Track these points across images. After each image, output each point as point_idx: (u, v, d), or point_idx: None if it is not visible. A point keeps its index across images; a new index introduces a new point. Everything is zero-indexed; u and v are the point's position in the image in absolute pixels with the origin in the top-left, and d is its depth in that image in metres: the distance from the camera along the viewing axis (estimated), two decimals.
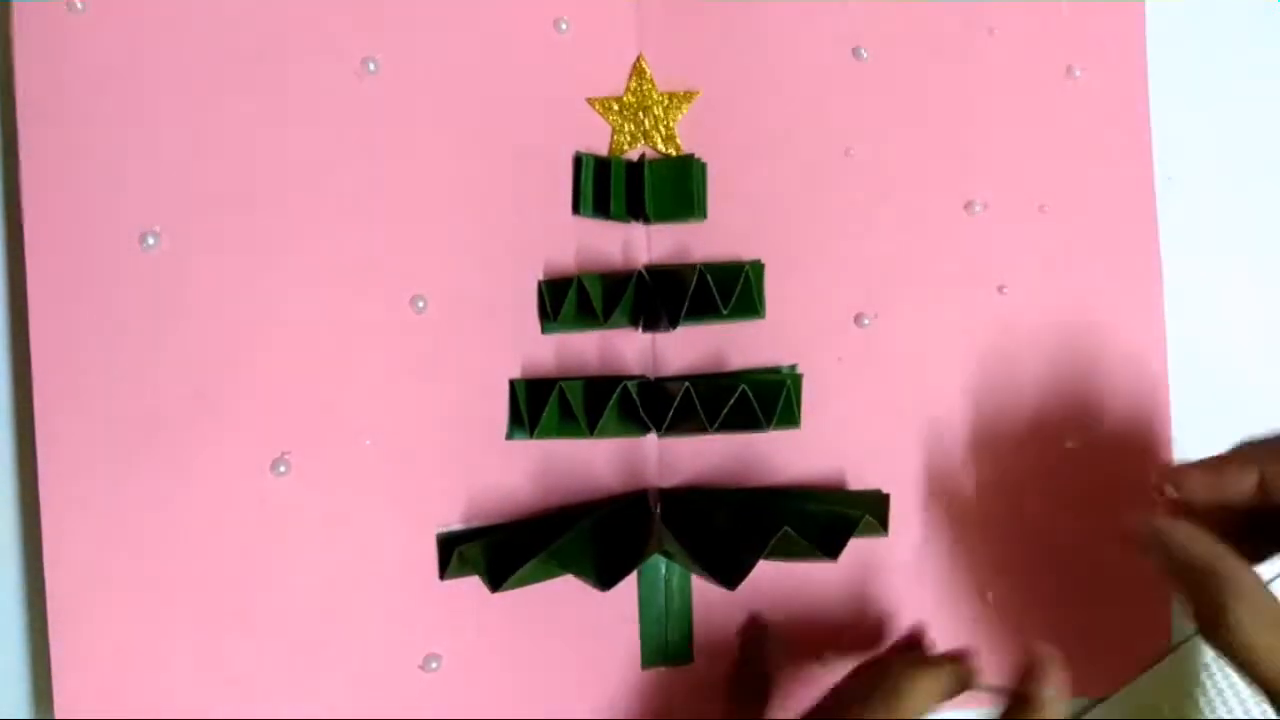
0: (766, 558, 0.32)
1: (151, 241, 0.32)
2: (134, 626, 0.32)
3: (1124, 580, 0.38)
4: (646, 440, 0.36)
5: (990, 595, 0.37)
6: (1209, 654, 0.38)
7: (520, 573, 0.31)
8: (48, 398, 0.31)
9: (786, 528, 0.31)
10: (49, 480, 0.31)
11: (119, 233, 0.32)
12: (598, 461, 0.35)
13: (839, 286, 0.37)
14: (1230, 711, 0.38)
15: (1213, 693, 0.38)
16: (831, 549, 0.32)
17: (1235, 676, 0.37)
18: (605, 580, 0.31)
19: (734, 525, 0.33)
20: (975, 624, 0.37)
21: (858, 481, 0.36)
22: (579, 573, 0.32)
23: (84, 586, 0.31)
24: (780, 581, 0.36)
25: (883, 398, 0.37)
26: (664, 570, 0.36)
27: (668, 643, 0.36)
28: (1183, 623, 0.38)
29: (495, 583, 0.32)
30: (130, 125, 0.32)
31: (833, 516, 0.33)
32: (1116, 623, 0.38)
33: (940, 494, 0.37)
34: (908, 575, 0.36)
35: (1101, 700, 0.38)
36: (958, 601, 0.37)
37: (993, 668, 0.36)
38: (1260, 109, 0.41)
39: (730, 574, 0.31)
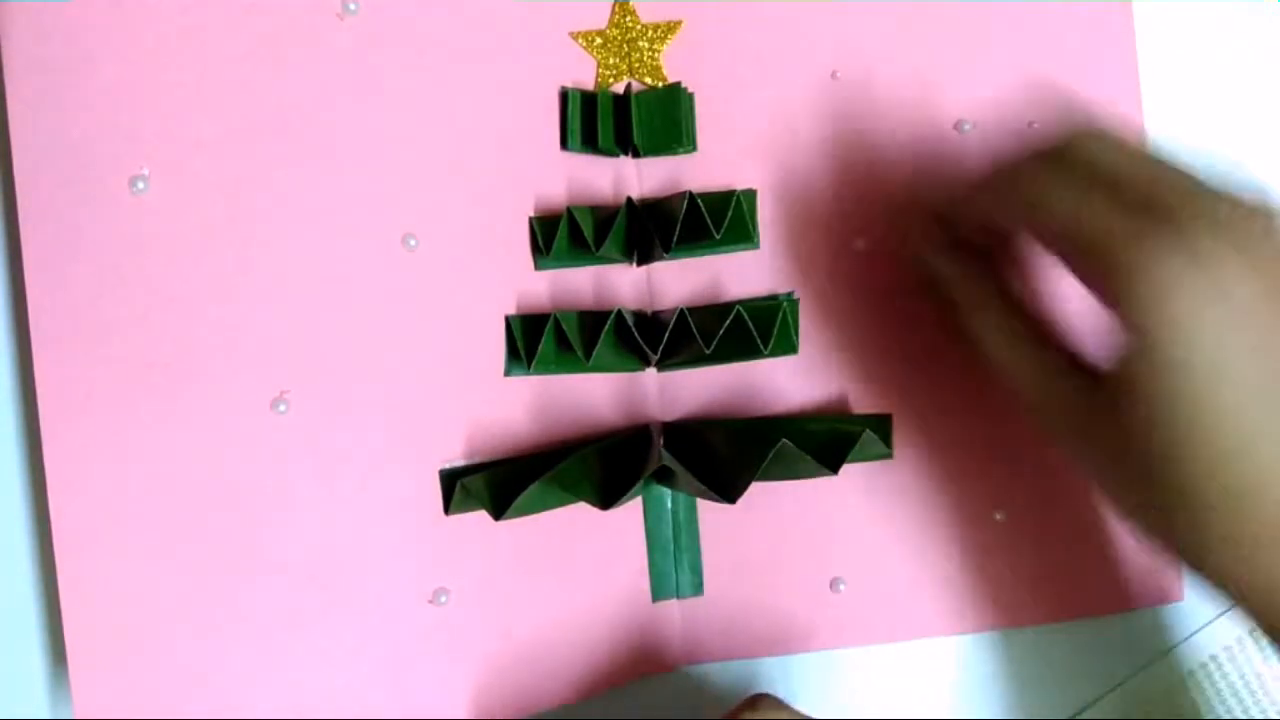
0: (767, 476, 0.32)
1: (141, 186, 0.32)
2: (140, 567, 0.32)
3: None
4: (647, 375, 0.36)
5: (1000, 515, 0.37)
6: (1205, 654, 0.38)
7: (522, 499, 0.31)
8: (45, 344, 0.32)
9: (784, 440, 0.30)
10: (50, 425, 0.32)
11: (108, 177, 0.32)
12: (599, 396, 0.35)
13: (834, 212, 0.36)
14: (1229, 712, 0.38)
15: (1209, 692, 0.38)
16: (831, 462, 0.32)
17: (1234, 676, 0.37)
18: (606, 499, 0.31)
19: (734, 447, 0.33)
20: (985, 546, 0.37)
21: (861, 408, 0.36)
22: (580, 494, 0.32)
23: (89, 527, 0.32)
24: (787, 504, 0.36)
25: (883, 323, 0.36)
26: (670, 504, 0.36)
27: (677, 575, 0.36)
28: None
29: (498, 512, 0.32)
30: (116, 68, 0.33)
31: (833, 432, 0.33)
32: (1130, 543, 0.37)
33: (945, 414, 0.36)
34: (913, 497, 0.36)
35: (1100, 699, 0.38)
36: (966, 523, 0.37)
37: (1005, 588, 0.36)
38: (1258, 110, 0.40)
39: (729, 489, 0.31)
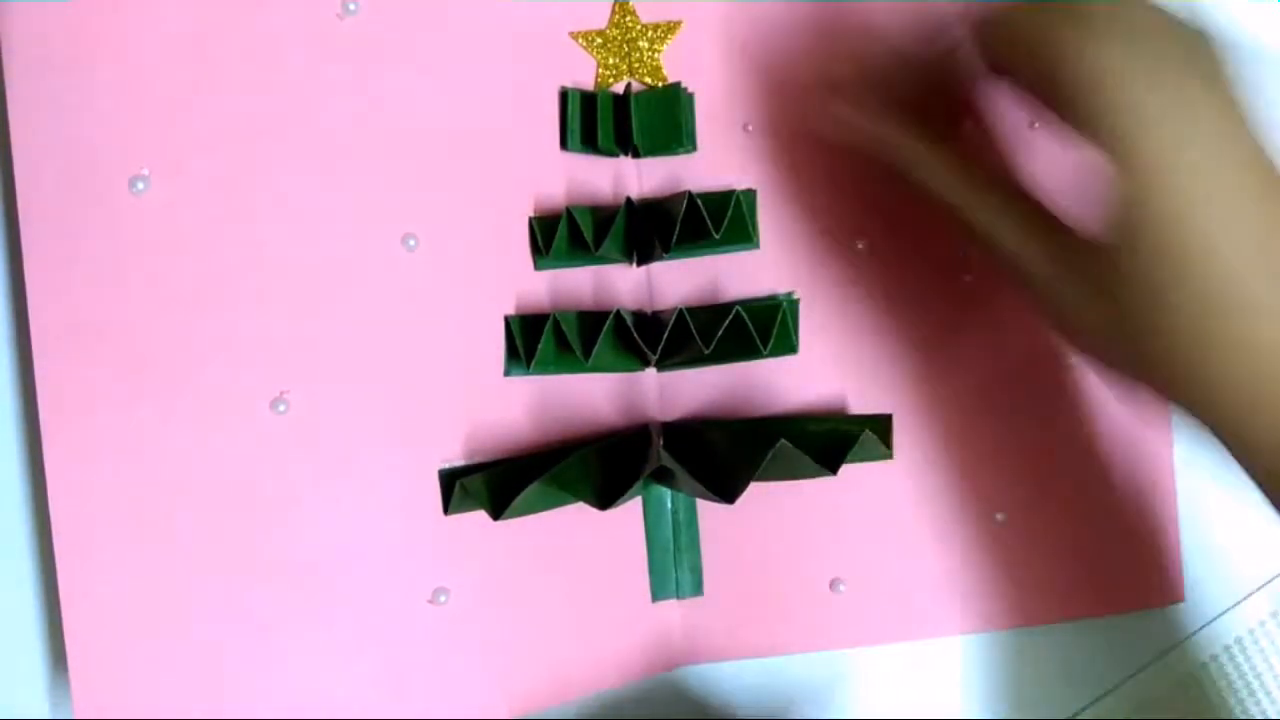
0: (765, 477, 0.32)
1: (141, 186, 0.32)
2: (140, 567, 0.32)
3: (1140, 503, 0.37)
4: (647, 375, 0.36)
5: (1000, 516, 0.37)
6: (1205, 654, 0.38)
7: (520, 499, 0.31)
8: (45, 344, 0.32)
9: (783, 440, 0.30)
10: (50, 425, 0.32)
11: (108, 177, 0.32)
12: (598, 396, 0.35)
13: (834, 213, 0.36)
14: (1229, 712, 0.38)
15: (1209, 692, 0.38)
16: (830, 463, 0.32)
17: (1234, 676, 0.37)
18: (604, 500, 0.31)
19: (733, 448, 0.33)
20: (985, 546, 0.37)
21: (861, 408, 0.36)
22: (578, 494, 0.32)
23: (89, 527, 0.32)
24: (787, 505, 0.36)
25: (883, 323, 0.36)
26: (670, 504, 0.36)
27: (677, 575, 0.36)
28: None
29: (497, 512, 0.32)
30: (116, 68, 0.33)
31: (832, 433, 0.33)
32: (1131, 544, 0.37)
33: (945, 414, 0.36)
34: (913, 498, 0.36)
35: (1100, 699, 0.38)
36: (966, 524, 0.37)
37: (1005, 589, 0.36)
38: (1259, 110, 0.40)
39: (728, 490, 0.31)
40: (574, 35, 0.36)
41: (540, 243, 0.35)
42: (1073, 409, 0.37)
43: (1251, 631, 0.38)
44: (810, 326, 0.36)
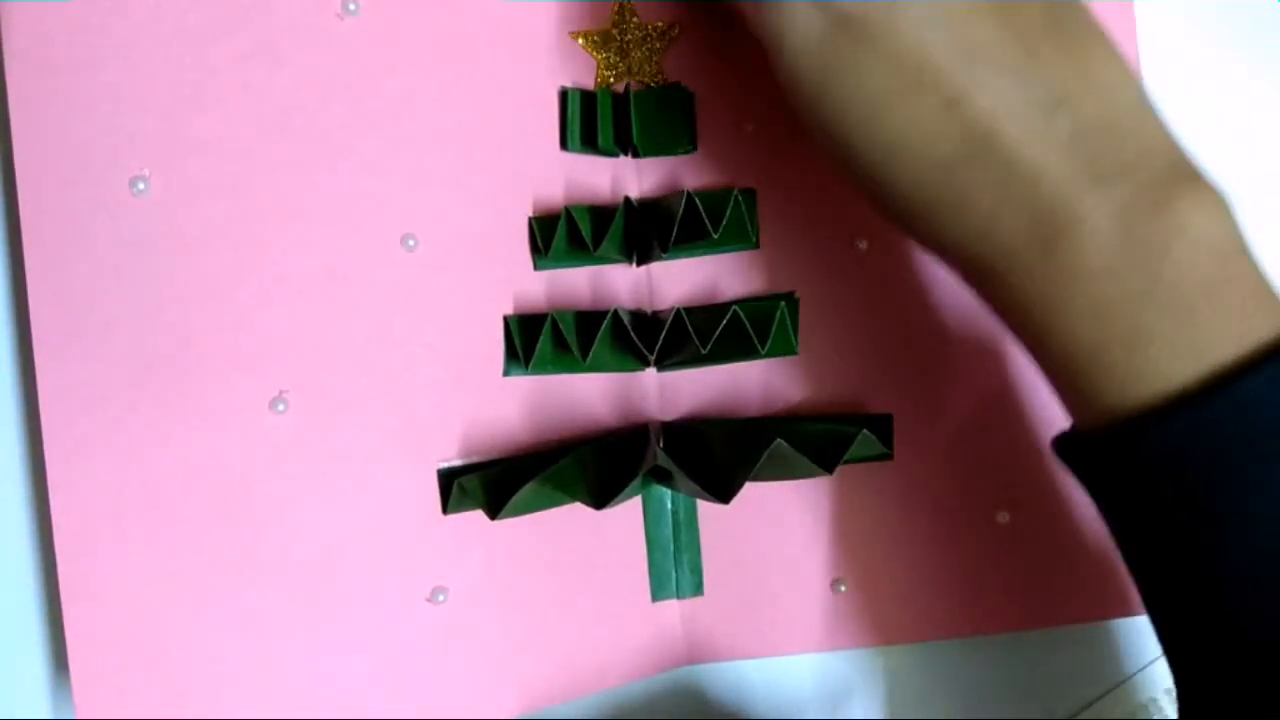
0: (761, 477, 0.32)
1: (141, 187, 0.32)
2: (141, 566, 0.32)
3: None
4: (646, 375, 0.36)
5: (1003, 517, 0.36)
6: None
7: (517, 498, 0.31)
8: (46, 345, 0.32)
9: (779, 440, 0.30)
10: (51, 425, 0.32)
11: (109, 177, 0.32)
12: (597, 396, 0.35)
13: (834, 213, 0.36)
14: None
15: None
16: (827, 463, 0.32)
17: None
18: (600, 500, 0.31)
19: (730, 448, 0.33)
20: (987, 548, 0.36)
21: (862, 408, 0.36)
22: (575, 494, 0.32)
23: (90, 527, 0.32)
24: (787, 505, 0.36)
25: (883, 323, 0.36)
26: (670, 504, 0.36)
27: (677, 575, 0.36)
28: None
29: (494, 511, 0.32)
30: (117, 68, 0.33)
31: (829, 433, 0.33)
32: None
33: (946, 414, 0.36)
34: (914, 498, 0.36)
35: (1100, 699, 0.37)
36: (968, 525, 0.36)
37: (1007, 591, 0.36)
38: (1258, 110, 0.39)
39: (724, 490, 0.31)
40: (574, 35, 0.36)
41: (540, 243, 0.35)
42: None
43: None
44: (810, 326, 0.36)
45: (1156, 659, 0.38)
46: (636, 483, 0.32)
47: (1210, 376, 0.24)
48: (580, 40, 0.36)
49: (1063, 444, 0.28)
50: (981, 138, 0.26)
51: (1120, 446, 0.26)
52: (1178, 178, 0.25)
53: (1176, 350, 0.25)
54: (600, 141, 0.35)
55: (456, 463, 0.34)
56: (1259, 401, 0.24)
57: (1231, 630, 0.25)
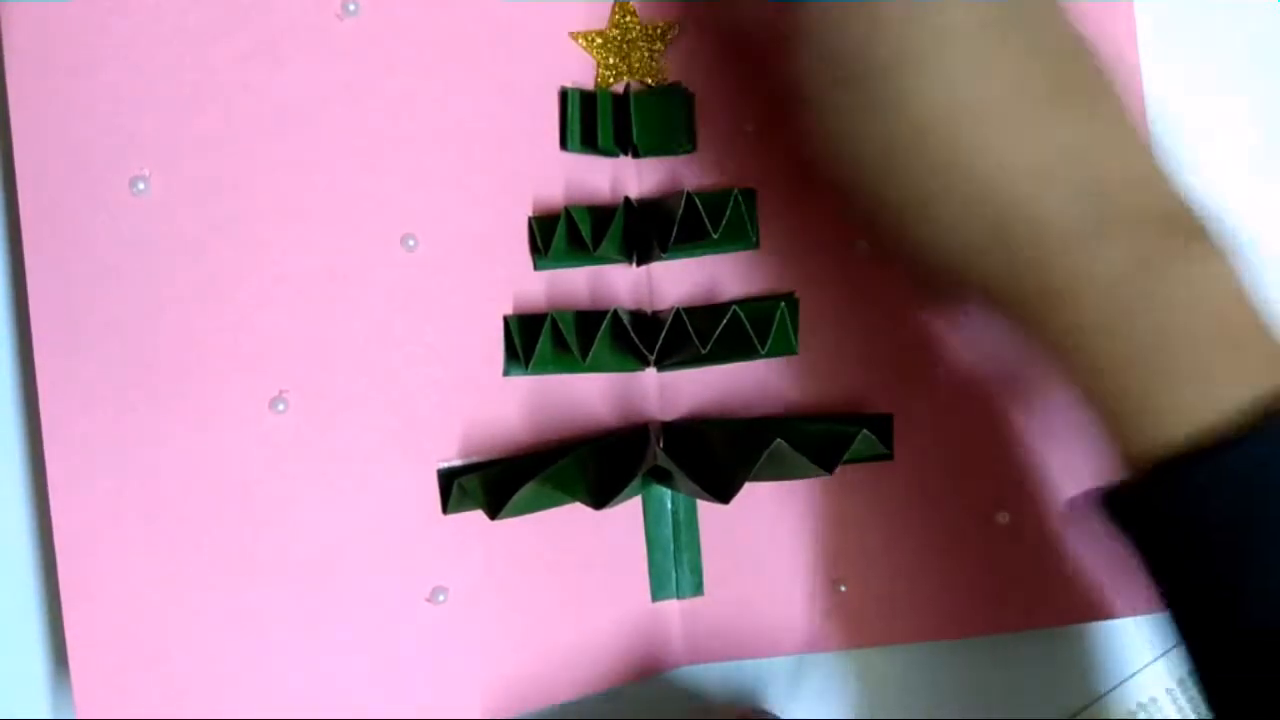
0: (761, 477, 0.32)
1: (141, 186, 0.32)
2: (141, 566, 0.32)
3: None
4: (646, 375, 0.36)
5: (1003, 517, 0.36)
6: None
7: (517, 498, 0.31)
8: (46, 344, 0.32)
9: (778, 440, 0.30)
10: (51, 425, 0.32)
11: (108, 177, 0.32)
12: (597, 396, 0.35)
13: (834, 213, 0.36)
14: None
15: None
16: (827, 463, 0.32)
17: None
18: (599, 499, 0.31)
19: (730, 448, 0.33)
20: (988, 547, 0.36)
21: (862, 408, 0.36)
22: (574, 494, 0.32)
23: (90, 527, 0.32)
24: (787, 505, 0.36)
25: (883, 323, 0.36)
26: (670, 504, 0.36)
27: (677, 575, 0.36)
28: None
29: (494, 511, 0.32)
30: (116, 68, 0.33)
31: (829, 433, 0.33)
32: None
33: (946, 414, 0.36)
34: (914, 498, 0.36)
35: (1099, 699, 0.37)
36: (968, 525, 0.36)
37: (1008, 591, 0.36)
38: (1258, 110, 0.39)
39: (723, 490, 0.31)
40: (574, 35, 0.36)
41: (539, 243, 0.35)
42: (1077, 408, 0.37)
43: None
44: (810, 326, 0.36)
45: (1156, 659, 0.38)
46: (636, 483, 0.32)
47: (1213, 436, 0.25)
48: (580, 40, 0.36)
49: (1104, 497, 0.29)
50: (981, 197, 0.26)
51: (1149, 497, 0.26)
52: (1177, 231, 0.26)
53: (1178, 405, 0.25)
54: (600, 141, 0.35)
55: (456, 463, 0.34)
56: (1263, 461, 0.24)
57: None
